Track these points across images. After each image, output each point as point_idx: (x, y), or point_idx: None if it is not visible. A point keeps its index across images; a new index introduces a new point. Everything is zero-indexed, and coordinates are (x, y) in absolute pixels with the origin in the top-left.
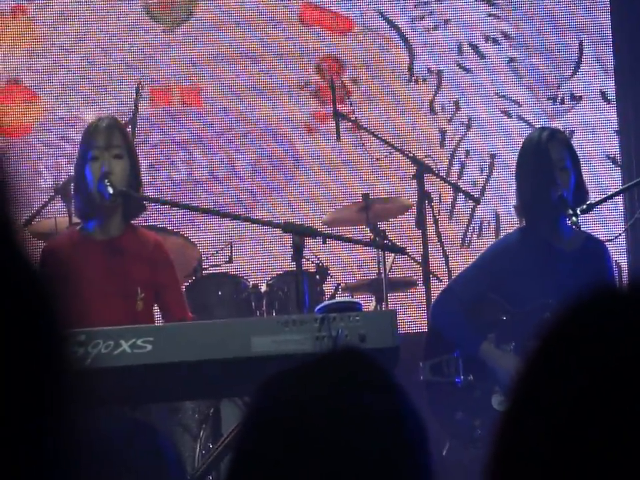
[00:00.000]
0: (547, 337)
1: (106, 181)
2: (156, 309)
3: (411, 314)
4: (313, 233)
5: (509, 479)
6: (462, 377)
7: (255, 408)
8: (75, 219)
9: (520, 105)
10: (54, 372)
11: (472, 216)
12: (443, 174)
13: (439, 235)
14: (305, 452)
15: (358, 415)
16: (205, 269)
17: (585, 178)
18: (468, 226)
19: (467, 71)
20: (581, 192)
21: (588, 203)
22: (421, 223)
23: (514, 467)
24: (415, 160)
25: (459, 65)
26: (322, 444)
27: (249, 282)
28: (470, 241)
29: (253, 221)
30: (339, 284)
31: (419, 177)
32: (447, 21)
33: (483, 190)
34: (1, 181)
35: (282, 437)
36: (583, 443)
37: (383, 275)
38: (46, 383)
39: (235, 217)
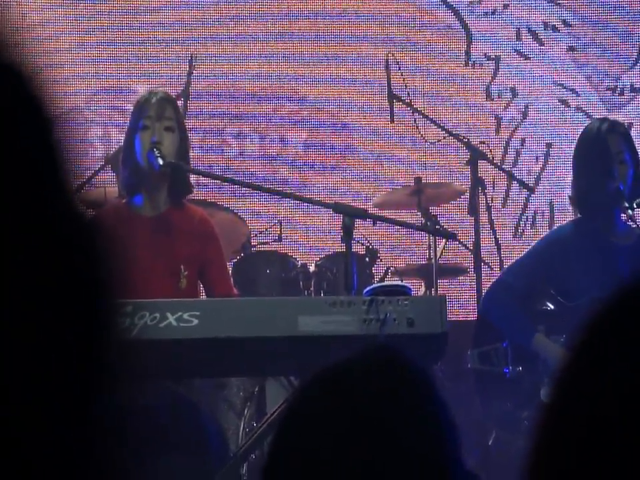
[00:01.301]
0: (591, 327)
1: (156, 151)
2: (201, 287)
3: (461, 301)
4: (364, 215)
5: (550, 470)
6: (510, 367)
7: (291, 411)
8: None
9: (578, 95)
10: (100, 340)
11: (526, 205)
12: (497, 161)
13: (491, 222)
14: (345, 449)
15: (398, 413)
16: (254, 245)
17: None
18: (521, 215)
19: (525, 57)
20: (638, 186)
21: None
22: (473, 209)
23: (555, 459)
24: (469, 145)
25: (516, 51)
26: (364, 443)
27: (298, 261)
28: (523, 230)
29: (304, 200)
30: (388, 267)
31: (472, 163)
32: (505, 6)
33: (538, 179)
34: (53, 143)
35: (325, 432)
36: (626, 435)
37: (433, 261)
38: (92, 352)
39: (286, 195)
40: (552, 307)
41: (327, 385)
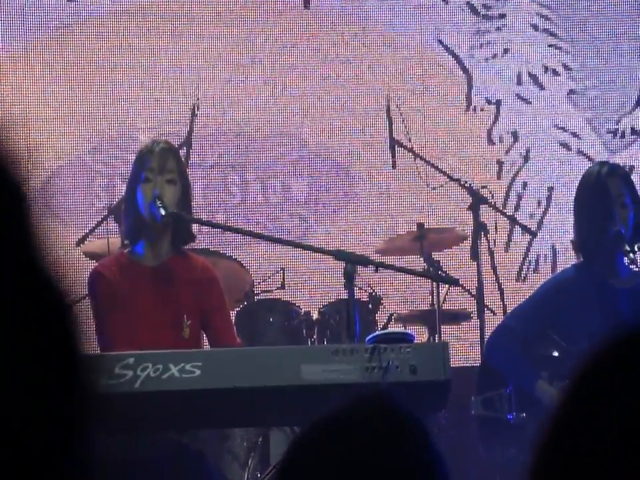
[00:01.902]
0: (586, 370)
1: (158, 202)
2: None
3: (464, 347)
4: (366, 262)
5: None
6: (514, 413)
7: (292, 460)
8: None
9: (579, 138)
10: (75, 394)
11: (528, 249)
12: (499, 205)
13: (494, 267)
14: None
15: (393, 468)
16: (257, 294)
17: None
18: (524, 259)
19: (526, 101)
20: (639, 230)
21: None
22: (475, 254)
23: None
24: (471, 190)
25: (517, 95)
26: None
27: (301, 309)
28: (526, 274)
29: (306, 247)
30: (391, 314)
31: (474, 207)
32: (506, 50)
33: (540, 223)
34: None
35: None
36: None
37: (436, 306)
38: (69, 407)
39: (288, 243)
40: (555, 352)
41: (323, 433)
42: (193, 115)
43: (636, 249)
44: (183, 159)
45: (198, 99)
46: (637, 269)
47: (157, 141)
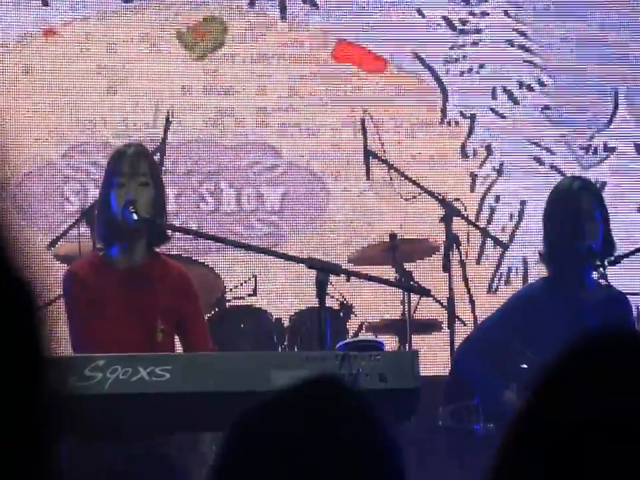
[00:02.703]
0: (547, 378)
1: (131, 207)
2: (177, 341)
3: (434, 357)
4: (337, 270)
5: None
6: (481, 424)
7: (231, 437)
8: (98, 244)
9: (552, 153)
10: (40, 397)
11: (500, 262)
12: (471, 218)
13: (465, 279)
14: (279, 474)
15: (337, 447)
16: (229, 300)
17: (616, 229)
18: (495, 272)
19: (500, 116)
20: (608, 245)
21: (616, 254)
22: (447, 266)
23: None
24: (444, 202)
25: (492, 109)
26: (297, 467)
27: (272, 316)
28: (497, 286)
29: (278, 255)
30: (362, 323)
31: (447, 219)
32: (481, 65)
33: (512, 236)
34: None
35: (259, 466)
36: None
37: (407, 316)
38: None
39: (261, 250)
40: (523, 364)
41: (268, 411)
42: (167, 121)
43: (606, 263)
44: (156, 162)
45: (172, 106)
46: (603, 283)
47: (129, 144)
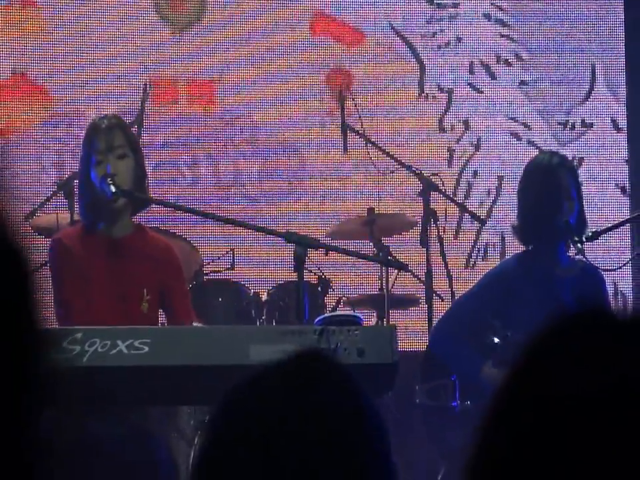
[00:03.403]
0: (526, 354)
1: (109, 180)
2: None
3: (412, 332)
4: (316, 245)
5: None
6: (459, 401)
7: (217, 411)
8: (77, 217)
9: (530, 129)
10: (29, 370)
11: (477, 237)
12: (449, 193)
13: (443, 254)
14: (267, 447)
15: (318, 411)
16: (206, 274)
17: (593, 206)
18: (473, 247)
19: (478, 90)
20: (582, 223)
21: (594, 230)
22: (425, 241)
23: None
24: (421, 177)
25: (469, 84)
26: (284, 440)
27: (250, 290)
28: (474, 261)
29: (257, 229)
30: (340, 297)
31: (424, 194)
32: (459, 39)
33: (489, 211)
34: None
35: (244, 436)
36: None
37: (385, 291)
38: (26, 381)
39: (238, 224)
40: (499, 339)
41: (250, 388)
42: (145, 93)
43: (584, 239)
44: (131, 131)
45: (149, 78)
46: (576, 258)
47: (102, 117)
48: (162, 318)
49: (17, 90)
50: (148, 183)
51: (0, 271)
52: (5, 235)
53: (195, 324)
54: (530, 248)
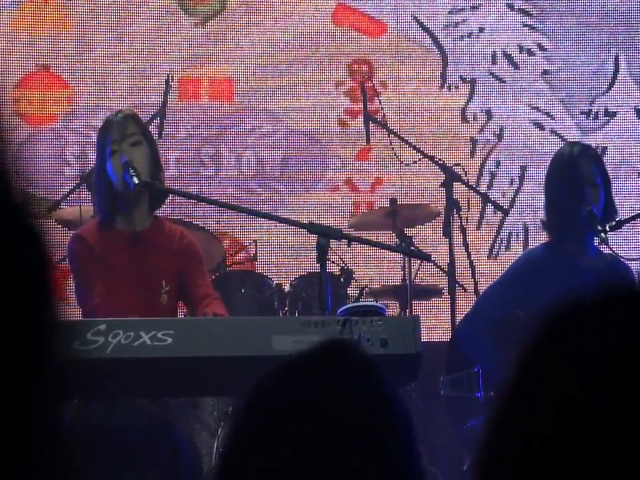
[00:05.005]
0: (537, 342)
1: (131, 170)
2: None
3: (435, 322)
4: (339, 235)
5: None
6: (482, 392)
7: (246, 399)
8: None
9: (553, 118)
10: (45, 359)
11: (500, 227)
12: (472, 183)
13: (466, 244)
14: (296, 434)
15: (346, 397)
16: (229, 265)
17: (616, 195)
18: (496, 237)
19: (500, 80)
20: (609, 210)
21: (617, 219)
22: (448, 231)
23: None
24: (444, 167)
25: (492, 74)
26: (311, 425)
27: (273, 281)
28: (497, 252)
29: (279, 220)
30: (363, 288)
31: (447, 184)
32: (481, 29)
33: (512, 201)
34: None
35: (272, 421)
36: (569, 448)
37: (407, 282)
38: (37, 371)
39: (261, 215)
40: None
41: (267, 383)
42: (167, 85)
43: (607, 228)
44: (144, 121)
45: (172, 70)
46: (605, 250)
47: (117, 112)
48: (181, 310)
49: (41, 83)
50: (163, 175)
51: (20, 256)
52: (27, 221)
53: (220, 305)
54: (556, 238)
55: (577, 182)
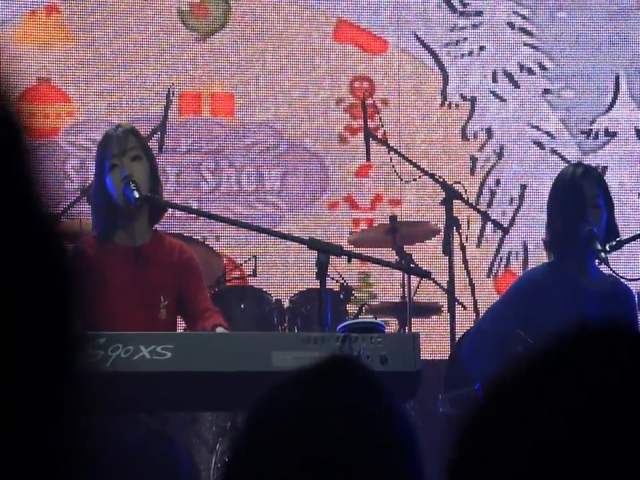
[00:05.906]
0: (532, 367)
1: (132, 184)
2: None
3: (435, 340)
4: (339, 252)
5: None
6: None
7: (249, 413)
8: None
9: (553, 137)
10: (67, 372)
11: (500, 245)
12: (472, 201)
13: (465, 262)
14: (298, 446)
15: (350, 412)
16: (228, 281)
17: (617, 214)
18: (495, 255)
19: (501, 99)
20: (611, 231)
21: (617, 239)
22: (447, 249)
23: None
24: (444, 185)
25: (492, 92)
26: (314, 439)
27: (272, 297)
28: (497, 270)
29: (279, 236)
30: (362, 305)
31: (447, 202)
32: (482, 48)
33: (512, 220)
34: (30, 177)
35: (274, 435)
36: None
37: (407, 299)
38: (58, 383)
39: (261, 230)
40: (522, 350)
41: (270, 399)
42: (168, 100)
43: (607, 248)
44: (144, 136)
45: (173, 84)
46: (607, 272)
47: (116, 126)
48: (181, 325)
49: (42, 96)
50: (162, 189)
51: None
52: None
53: (221, 319)
54: (557, 258)
55: (578, 203)
